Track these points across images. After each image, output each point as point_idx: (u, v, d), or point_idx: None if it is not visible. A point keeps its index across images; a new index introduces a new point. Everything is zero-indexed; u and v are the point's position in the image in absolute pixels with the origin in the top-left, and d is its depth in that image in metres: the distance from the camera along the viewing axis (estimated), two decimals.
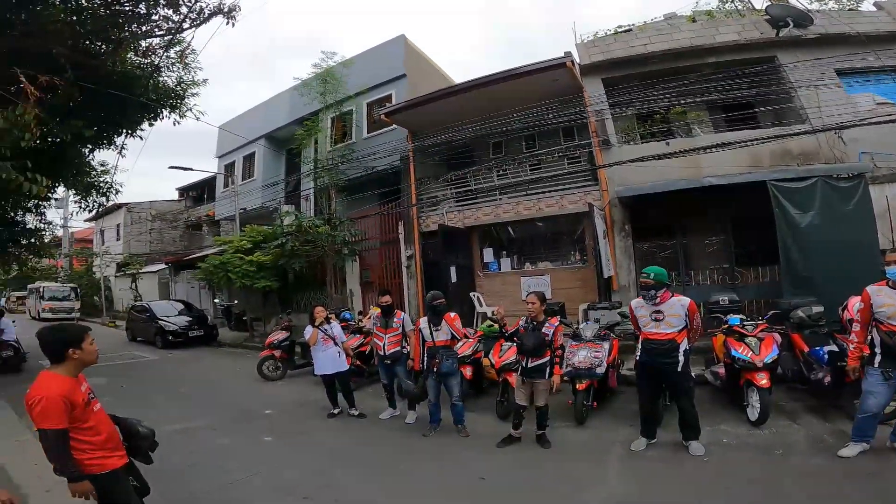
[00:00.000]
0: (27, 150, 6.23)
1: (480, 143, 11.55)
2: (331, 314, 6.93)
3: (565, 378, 5.41)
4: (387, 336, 5.75)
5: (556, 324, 4.62)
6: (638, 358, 4.46)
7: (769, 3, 9.89)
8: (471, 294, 10.55)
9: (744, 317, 5.65)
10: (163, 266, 22.07)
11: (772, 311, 6.11)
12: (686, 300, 4.21)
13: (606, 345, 5.52)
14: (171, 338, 13.21)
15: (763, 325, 5.31)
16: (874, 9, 9.96)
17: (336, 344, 6.06)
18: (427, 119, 11.36)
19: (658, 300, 4.18)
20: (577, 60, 10.27)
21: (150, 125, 10.30)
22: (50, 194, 10.36)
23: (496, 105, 10.23)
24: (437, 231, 10.83)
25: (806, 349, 5.22)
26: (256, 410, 6.59)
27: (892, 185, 8.07)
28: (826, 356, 4.90)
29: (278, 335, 8.75)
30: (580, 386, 5.24)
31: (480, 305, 10.25)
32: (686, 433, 4.31)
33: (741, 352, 4.91)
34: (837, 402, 4.96)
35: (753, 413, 4.79)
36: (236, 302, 15.38)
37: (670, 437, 4.48)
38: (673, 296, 4.23)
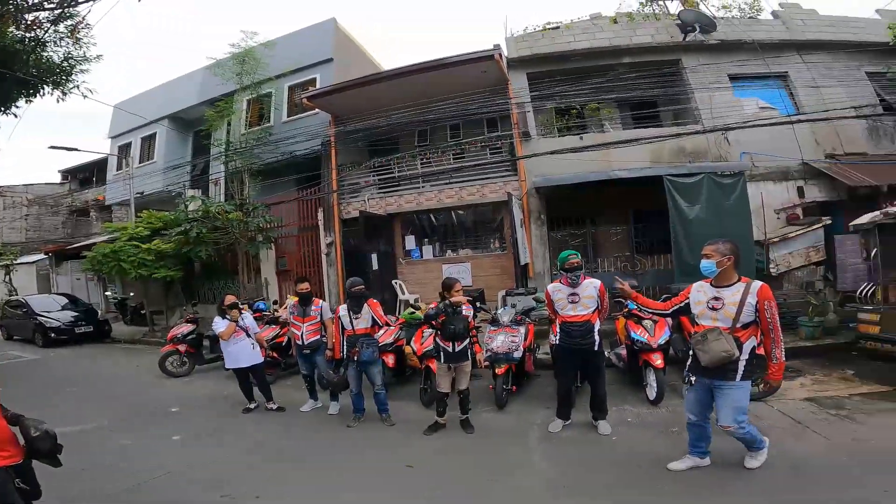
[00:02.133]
0: None
1: (405, 130, 11.46)
2: (243, 304, 6.59)
3: (485, 363, 5.56)
4: (305, 325, 5.57)
5: (469, 306, 4.74)
6: (556, 342, 4.59)
7: (682, 8, 10.68)
8: (392, 282, 10.52)
9: None
10: (42, 256, 19.44)
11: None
12: (597, 282, 4.40)
13: (522, 329, 5.71)
14: (53, 335, 11.81)
15: None
16: (771, 17, 10.98)
17: (248, 335, 5.75)
18: (352, 104, 11.07)
19: (578, 282, 4.35)
20: (506, 54, 10.50)
21: (28, 102, 9.28)
22: None
23: (423, 93, 10.19)
24: (358, 218, 10.62)
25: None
26: (161, 408, 6.11)
27: (766, 183, 9.18)
28: None
29: (183, 328, 8.11)
30: (499, 370, 5.35)
31: (403, 293, 10.25)
32: (595, 413, 4.54)
33: (639, 334, 5.31)
34: None
35: (652, 392, 5.14)
36: (132, 294, 13.99)
37: (581, 418, 4.70)
38: (586, 278, 4.42)
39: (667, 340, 5.30)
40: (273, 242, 12.20)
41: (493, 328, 5.82)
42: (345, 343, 5.13)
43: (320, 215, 11.77)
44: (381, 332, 5.76)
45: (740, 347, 3.16)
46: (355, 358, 4.98)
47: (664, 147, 9.57)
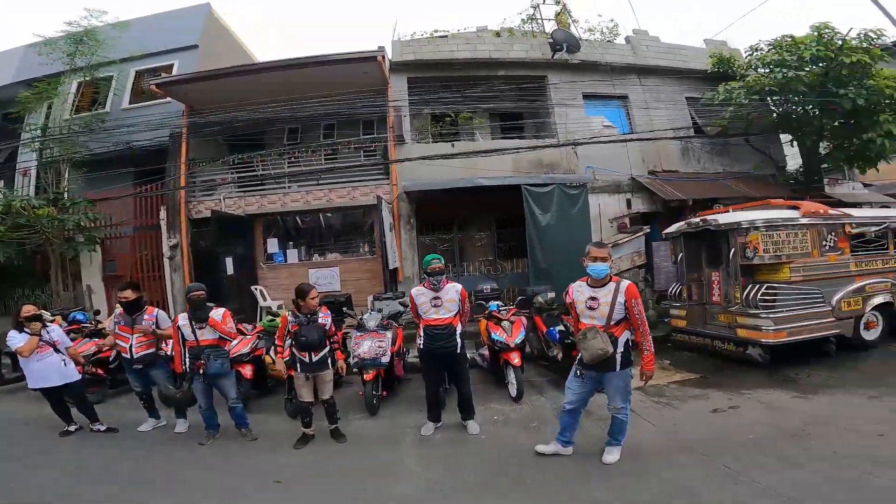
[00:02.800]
0: None
1: (274, 126, 10.77)
2: (55, 315, 5.75)
3: (354, 370, 5.45)
4: (134, 336, 4.87)
5: (328, 312, 4.57)
6: (421, 346, 4.57)
7: (556, 28, 11.40)
8: (252, 287, 9.68)
9: (501, 303, 6.52)
10: None
11: (519, 298, 7.20)
12: (458, 286, 4.53)
13: (390, 334, 5.65)
14: None
15: (513, 310, 6.13)
16: (624, 42, 12.13)
17: (57, 351, 4.85)
18: (214, 95, 10.05)
19: (441, 285, 4.43)
20: (390, 56, 10.42)
21: None
22: None
23: (298, 89, 9.67)
24: (210, 218, 9.57)
25: (545, 330, 6.24)
26: None
27: (603, 195, 10.40)
28: (557, 335, 5.87)
29: None
30: (367, 376, 5.26)
31: (264, 299, 9.49)
32: (464, 414, 4.63)
33: (498, 334, 5.60)
34: (568, 374, 5.98)
35: (513, 390, 5.39)
36: None
37: (453, 419, 4.77)
38: (448, 282, 4.52)
39: (523, 339, 5.63)
40: (98, 244, 10.40)
41: (359, 333, 5.67)
42: (187, 355, 4.58)
43: (163, 214, 10.35)
44: (235, 342, 5.29)
45: (615, 342, 3.46)
46: (201, 370, 4.48)
47: (525, 158, 10.26)
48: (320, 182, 10.36)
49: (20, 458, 4.48)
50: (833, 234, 6.23)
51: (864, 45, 9.03)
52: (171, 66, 11.47)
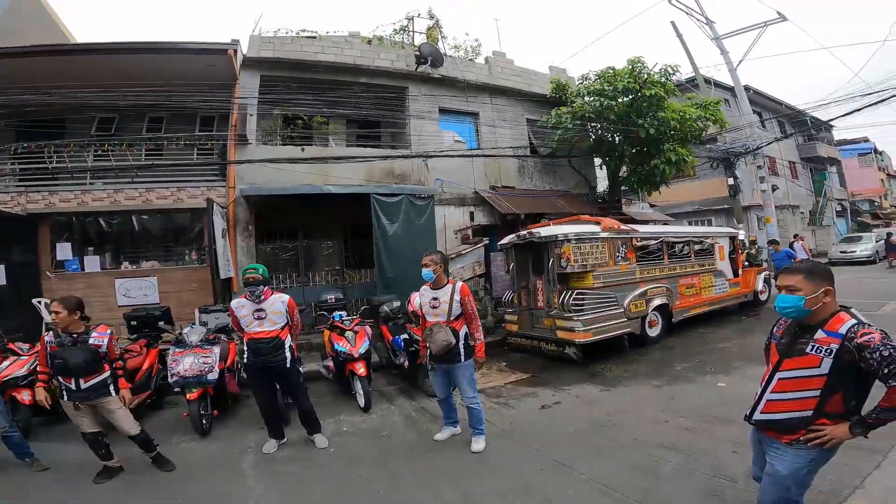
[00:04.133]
0: None
1: (83, 115, 8.95)
2: None
3: (175, 389, 4.87)
4: None
5: (106, 332, 3.84)
6: (247, 360, 4.33)
7: (424, 41, 11.57)
8: (34, 301, 7.78)
9: (344, 313, 6.39)
10: None
11: (363, 307, 7.17)
12: (286, 297, 4.32)
13: (217, 349, 5.11)
14: None
15: (357, 320, 6.05)
16: (483, 62, 12.71)
17: None
18: (17, 72, 8.11)
19: (262, 297, 4.17)
20: (244, 51, 9.49)
21: None
22: None
23: (126, 76, 8.31)
24: None
25: (391, 338, 6.31)
26: None
27: (449, 206, 10.94)
28: (402, 343, 6.00)
29: None
30: (191, 395, 4.75)
31: (49, 314, 7.69)
32: (309, 428, 4.49)
33: (342, 345, 5.49)
34: (416, 382, 6.02)
35: (361, 400, 5.38)
36: None
37: (298, 434, 4.59)
38: (273, 293, 4.29)
39: (368, 349, 5.58)
40: None
41: (178, 349, 5.04)
42: None
43: None
44: (5, 364, 4.59)
45: (457, 335, 4.03)
46: None
47: (378, 167, 10.26)
48: (135, 179, 8.88)
49: None
50: (624, 246, 7.51)
51: (663, 79, 10.97)
52: None
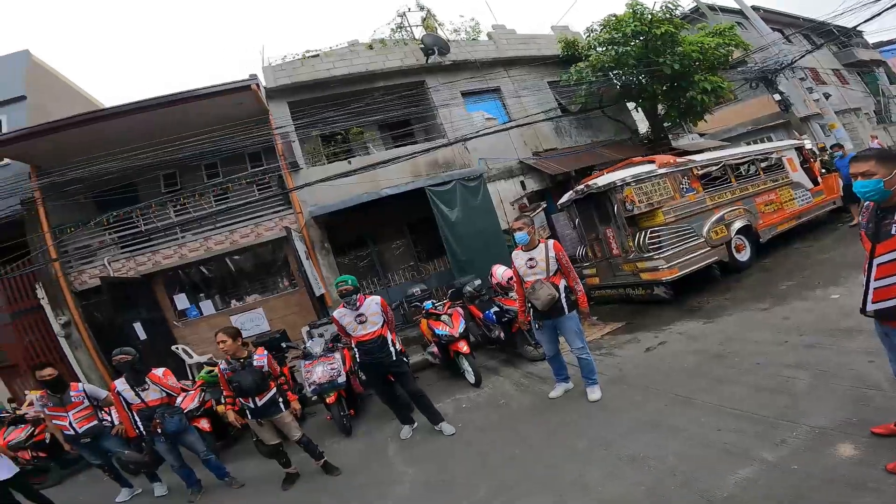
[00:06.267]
0: None
1: (145, 175, 9.86)
2: None
3: (313, 397, 5.48)
4: (71, 413, 4.72)
5: (264, 353, 4.35)
6: (360, 360, 4.72)
7: (425, 33, 11.81)
8: (172, 347, 8.96)
9: (434, 301, 6.80)
10: None
11: (450, 291, 7.57)
12: (378, 298, 4.65)
13: (338, 355, 5.68)
14: None
15: (448, 304, 6.43)
16: (487, 38, 12.79)
17: None
18: (65, 150, 8.95)
19: (357, 304, 4.53)
20: (264, 84, 10.09)
21: None
22: None
23: (168, 131, 8.96)
24: (101, 286, 8.68)
25: (481, 315, 6.63)
26: None
27: (500, 181, 11.20)
28: (494, 317, 6.28)
29: None
30: (330, 399, 5.32)
31: (190, 357, 8.83)
32: (430, 418, 4.68)
33: (441, 328, 5.88)
34: (515, 350, 6.21)
35: (471, 377, 5.68)
36: None
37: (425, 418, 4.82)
38: (366, 298, 4.64)
39: (465, 328, 5.90)
40: None
41: (307, 362, 5.66)
42: (136, 419, 4.44)
43: (41, 292, 9.13)
44: (181, 398, 5.14)
45: (557, 289, 4.20)
46: (159, 430, 4.36)
47: (421, 161, 10.62)
48: (217, 225, 9.82)
49: None
50: (686, 177, 7.44)
51: (667, 16, 10.69)
52: None
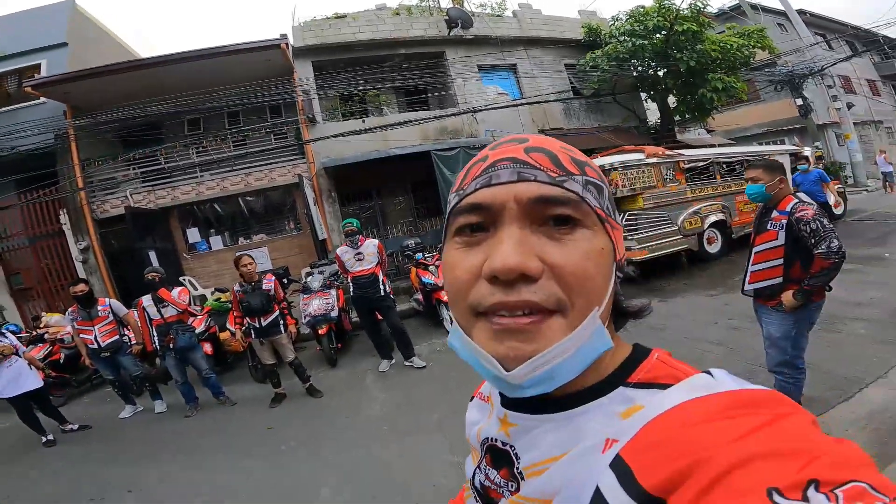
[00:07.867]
0: None
1: (173, 120, 10.45)
2: None
3: (307, 328, 6.08)
4: (97, 327, 5.12)
5: (272, 278, 4.90)
6: (352, 294, 5.28)
7: (451, 5, 12.11)
8: (180, 279, 9.75)
9: (426, 253, 7.47)
10: None
11: (440, 246, 8.20)
12: (375, 241, 5.29)
13: (333, 292, 6.28)
14: None
15: (437, 256, 6.95)
16: (511, 16, 12.89)
17: (18, 355, 4.95)
18: (100, 94, 9.56)
19: (359, 243, 5.19)
20: (292, 42, 10.51)
21: None
22: None
23: (197, 81, 9.54)
24: (123, 216, 9.42)
25: None
26: None
27: None
28: None
29: None
30: (321, 331, 5.86)
31: (196, 289, 9.64)
32: (405, 353, 5.26)
33: (427, 277, 6.49)
34: None
35: (447, 325, 6.16)
36: None
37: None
38: (366, 239, 5.28)
39: None
40: None
41: (305, 296, 6.26)
42: (155, 334, 5.00)
43: (64, 218, 9.89)
44: (191, 320, 5.61)
45: None
46: (172, 345, 4.92)
47: (431, 127, 11.14)
48: (235, 168, 10.48)
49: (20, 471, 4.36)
50: (671, 169, 7.89)
51: (693, 14, 10.96)
52: (37, 66, 10.62)
